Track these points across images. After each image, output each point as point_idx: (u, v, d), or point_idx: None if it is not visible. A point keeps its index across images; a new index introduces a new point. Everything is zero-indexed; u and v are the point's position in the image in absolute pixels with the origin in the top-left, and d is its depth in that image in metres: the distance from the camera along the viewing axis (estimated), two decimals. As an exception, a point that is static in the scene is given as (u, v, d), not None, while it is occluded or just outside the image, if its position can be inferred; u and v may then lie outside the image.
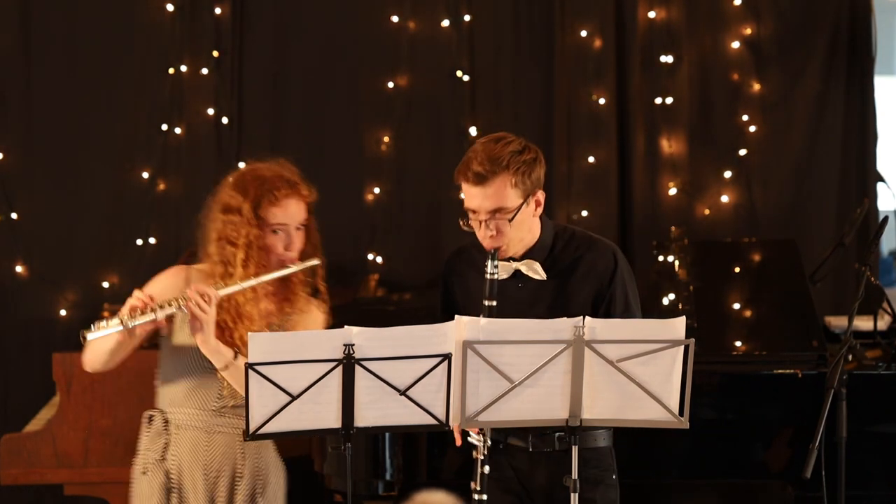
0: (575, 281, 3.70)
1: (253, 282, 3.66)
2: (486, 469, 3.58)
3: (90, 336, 3.55)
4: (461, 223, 3.68)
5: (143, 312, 3.56)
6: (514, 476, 3.73)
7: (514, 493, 3.71)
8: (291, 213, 3.71)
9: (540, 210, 3.70)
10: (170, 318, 3.66)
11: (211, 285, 3.62)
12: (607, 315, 3.68)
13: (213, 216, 3.75)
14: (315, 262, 3.78)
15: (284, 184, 3.71)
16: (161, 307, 3.57)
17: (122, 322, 3.55)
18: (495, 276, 3.60)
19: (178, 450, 3.72)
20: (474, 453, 3.60)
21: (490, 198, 3.59)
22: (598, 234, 3.82)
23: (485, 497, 3.58)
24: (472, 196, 3.63)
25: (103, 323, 3.57)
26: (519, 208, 3.61)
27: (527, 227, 3.68)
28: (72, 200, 6.19)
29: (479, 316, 3.54)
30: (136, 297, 3.59)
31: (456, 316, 3.43)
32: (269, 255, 3.71)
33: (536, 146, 3.70)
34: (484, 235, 3.64)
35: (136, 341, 3.66)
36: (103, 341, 3.63)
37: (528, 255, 3.70)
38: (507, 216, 3.60)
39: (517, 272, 3.69)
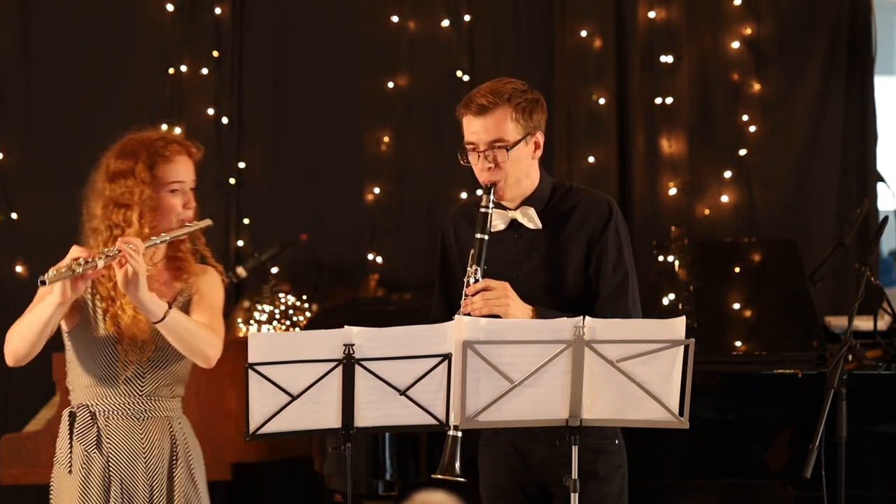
0: (570, 230, 3.70)
1: (177, 233, 3.65)
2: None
3: (50, 275, 3.48)
4: (459, 158, 3.68)
5: (85, 262, 3.52)
6: (515, 452, 3.73)
7: (515, 469, 3.70)
8: (186, 170, 3.72)
9: (539, 153, 3.70)
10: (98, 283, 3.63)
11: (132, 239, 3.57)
12: (599, 265, 3.67)
13: (100, 187, 3.73)
14: (208, 222, 3.76)
15: (174, 142, 3.73)
16: (99, 258, 3.53)
17: (70, 268, 3.51)
18: (490, 211, 3.60)
19: (112, 440, 3.69)
20: (451, 431, 3.57)
21: (490, 129, 3.60)
22: (599, 194, 3.80)
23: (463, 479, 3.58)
24: (471, 128, 3.64)
25: (51, 272, 3.50)
26: (517, 143, 3.62)
27: (524, 170, 3.67)
28: (72, 200, 6.15)
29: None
30: (76, 251, 3.57)
31: (456, 316, 3.43)
32: (167, 216, 3.68)
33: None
34: (482, 168, 3.64)
35: (60, 318, 3.61)
36: (35, 319, 3.59)
37: (526, 202, 3.71)
38: (504, 147, 3.60)
39: (513, 222, 3.69)
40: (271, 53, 6.26)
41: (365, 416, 3.40)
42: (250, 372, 3.31)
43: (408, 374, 3.37)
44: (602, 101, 6.18)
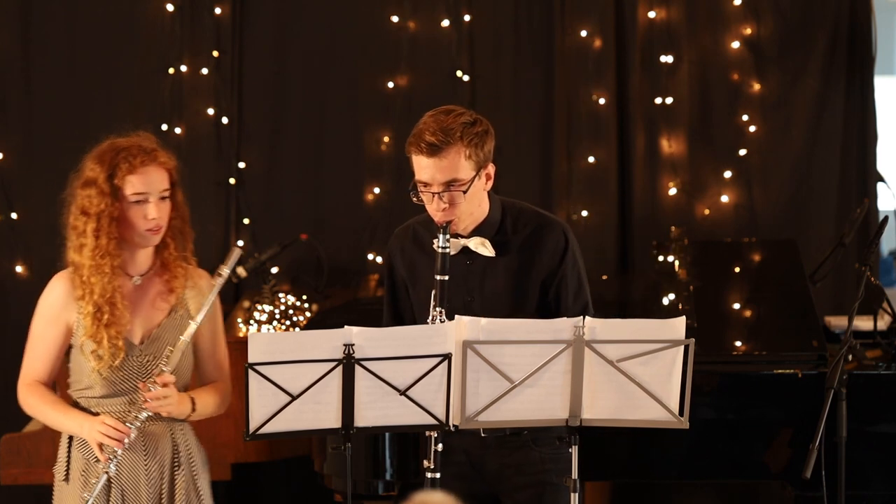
0: (525, 259, 3.68)
1: (192, 326, 3.64)
2: (440, 447, 3.56)
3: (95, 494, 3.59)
4: (412, 197, 3.65)
5: (116, 453, 3.58)
6: (467, 460, 3.72)
7: (466, 477, 3.69)
8: (150, 180, 3.65)
9: (490, 184, 3.67)
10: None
11: (159, 367, 3.62)
12: (559, 293, 3.66)
13: (74, 192, 3.73)
14: (236, 252, 3.70)
15: (140, 152, 3.65)
16: (130, 425, 3.59)
17: (107, 472, 3.59)
18: (447, 251, 3.57)
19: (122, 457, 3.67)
20: (427, 432, 3.58)
21: (444, 169, 3.55)
22: (551, 218, 3.78)
23: (437, 475, 3.56)
24: (424, 168, 3.57)
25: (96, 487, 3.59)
26: (472, 180, 3.59)
27: (477, 202, 3.64)
28: (72, 201, 6.18)
29: (429, 294, 3.53)
30: (104, 434, 3.58)
31: (456, 316, 3.42)
32: (129, 230, 3.66)
33: (490, 124, 3.66)
34: (436, 208, 3.59)
35: None
36: (52, 421, 3.74)
37: (477, 231, 3.68)
38: (461, 188, 3.56)
39: (465, 248, 3.67)
40: (271, 53, 6.25)
41: (365, 416, 3.41)
42: (250, 372, 3.32)
43: (408, 374, 3.38)
44: (602, 101, 6.18)
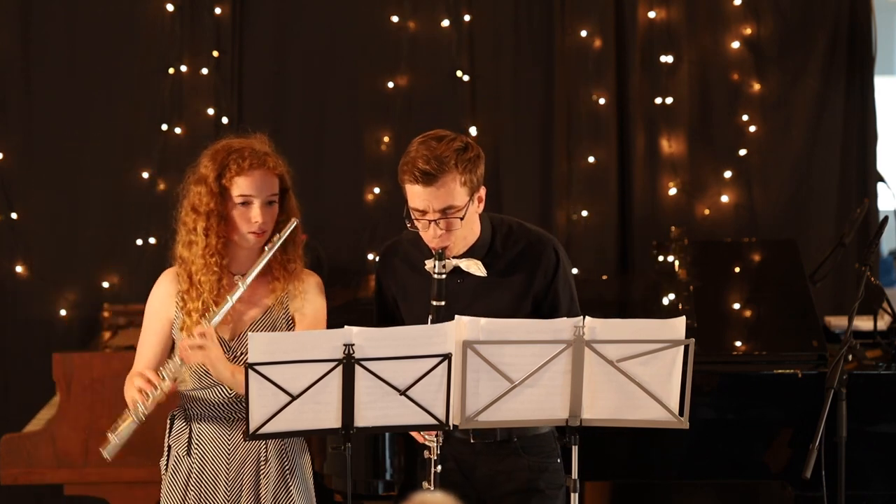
0: (516, 277, 3.68)
1: (239, 292, 3.63)
2: (439, 468, 3.56)
3: (110, 450, 3.59)
4: (407, 224, 3.64)
5: (148, 396, 3.56)
6: (457, 467, 3.72)
7: (456, 484, 3.69)
8: (257, 184, 3.66)
9: (482, 207, 3.66)
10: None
11: (201, 321, 3.61)
12: (553, 310, 3.66)
13: (188, 187, 3.73)
14: (292, 223, 3.68)
15: (251, 154, 3.67)
16: (163, 378, 3.58)
17: (135, 418, 3.57)
18: (443, 277, 3.56)
19: (202, 444, 3.71)
20: (426, 454, 3.58)
21: (440, 198, 3.53)
22: (541, 233, 3.77)
23: (439, 468, 3.55)
24: (419, 196, 3.55)
25: (117, 427, 3.59)
26: (467, 206, 3.58)
27: (469, 225, 3.64)
28: (72, 200, 6.19)
29: (422, 309, 3.54)
30: (139, 385, 3.57)
31: (456, 316, 3.42)
32: (233, 231, 3.67)
33: (478, 147, 3.65)
34: (432, 236, 3.57)
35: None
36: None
37: (469, 253, 3.66)
38: (457, 215, 3.54)
39: (456, 268, 3.66)
40: (271, 53, 6.25)
41: (365, 416, 3.40)
42: (250, 372, 3.31)
43: (408, 374, 3.37)
44: (602, 101, 6.18)
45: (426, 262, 3.59)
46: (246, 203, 3.66)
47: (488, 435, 3.67)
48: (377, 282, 3.83)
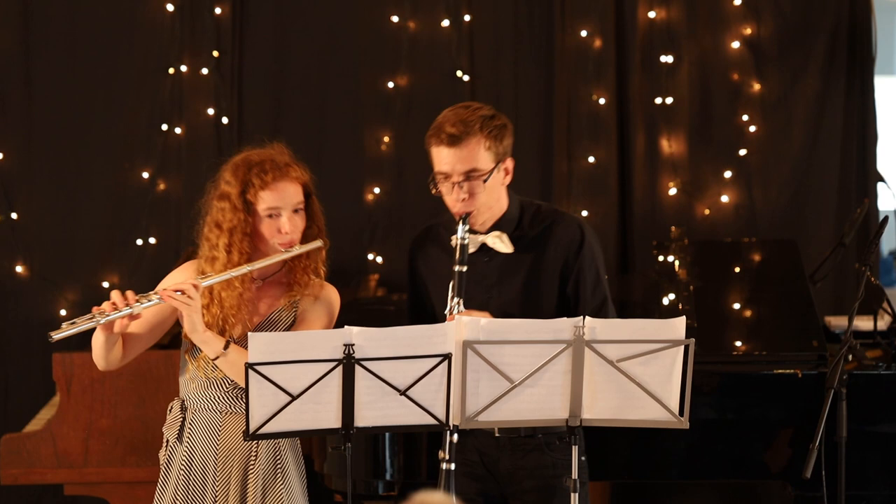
0: (542, 254, 3.70)
1: (245, 269, 3.63)
2: (455, 437, 3.56)
3: (55, 335, 3.53)
4: (431, 188, 3.67)
5: (119, 309, 3.53)
6: (480, 460, 3.73)
7: (479, 477, 3.70)
8: (283, 196, 3.68)
9: (509, 179, 3.70)
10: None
11: (196, 276, 3.62)
12: (577, 288, 3.67)
13: (211, 203, 3.74)
14: (317, 243, 3.74)
15: (273, 167, 3.69)
16: (139, 302, 3.55)
17: (93, 318, 3.54)
18: (466, 242, 3.58)
19: (193, 431, 3.72)
20: (440, 454, 3.57)
21: (464, 159, 3.59)
22: (568, 214, 3.82)
23: (452, 466, 3.56)
24: (444, 158, 3.62)
25: (75, 321, 3.54)
26: (491, 171, 3.61)
27: (496, 196, 3.67)
28: (72, 200, 6.19)
29: (447, 291, 3.55)
30: (115, 297, 3.56)
31: (456, 316, 3.43)
32: (263, 243, 3.69)
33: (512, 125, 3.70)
34: (456, 199, 3.62)
35: (146, 341, 3.68)
36: (94, 343, 3.63)
37: (496, 227, 3.70)
38: (480, 178, 3.59)
39: (483, 246, 3.67)
40: (271, 53, 6.25)
41: (365, 416, 3.41)
42: (250, 372, 3.32)
43: (408, 374, 3.38)
44: (602, 101, 6.18)
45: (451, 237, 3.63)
46: (273, 215, 3.67)
47: (513, 429, 3.68)
48: (409, 262, 3.86)
